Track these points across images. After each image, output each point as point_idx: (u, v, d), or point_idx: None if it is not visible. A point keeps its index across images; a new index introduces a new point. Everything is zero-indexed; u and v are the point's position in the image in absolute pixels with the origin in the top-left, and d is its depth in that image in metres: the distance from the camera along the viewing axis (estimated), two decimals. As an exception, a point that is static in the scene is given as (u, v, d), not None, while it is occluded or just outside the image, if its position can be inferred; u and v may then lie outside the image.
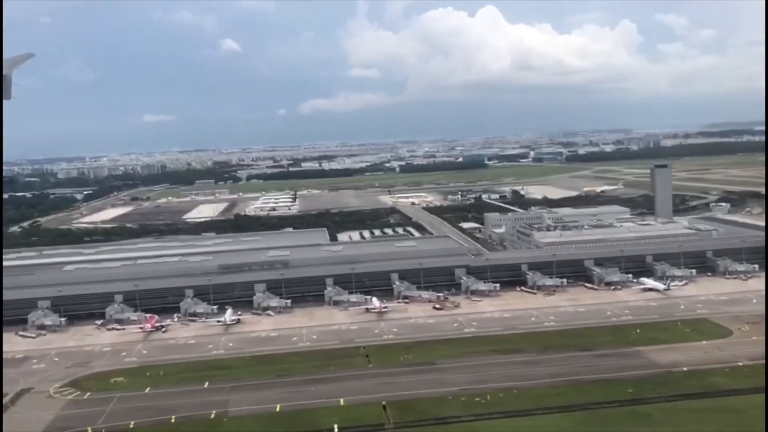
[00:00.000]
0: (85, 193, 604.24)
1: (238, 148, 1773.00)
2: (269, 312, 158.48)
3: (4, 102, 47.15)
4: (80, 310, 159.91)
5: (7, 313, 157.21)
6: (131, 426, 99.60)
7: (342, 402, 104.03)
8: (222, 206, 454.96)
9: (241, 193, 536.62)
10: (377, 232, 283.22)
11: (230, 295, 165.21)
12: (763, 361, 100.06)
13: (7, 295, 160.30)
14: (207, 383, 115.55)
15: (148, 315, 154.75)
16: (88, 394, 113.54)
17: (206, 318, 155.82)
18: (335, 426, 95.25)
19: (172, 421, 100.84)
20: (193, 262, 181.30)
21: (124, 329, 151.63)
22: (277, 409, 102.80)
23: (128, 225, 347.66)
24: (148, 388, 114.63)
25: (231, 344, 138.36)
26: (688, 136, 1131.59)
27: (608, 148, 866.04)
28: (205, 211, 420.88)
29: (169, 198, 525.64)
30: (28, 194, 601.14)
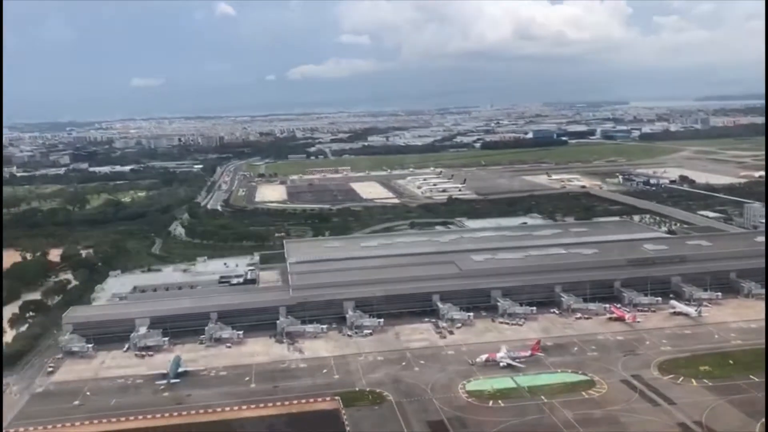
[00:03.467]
0: (197, 167, 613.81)
1: (243, 115, 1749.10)
2: (705, 304, 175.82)
3: None
4: (528, 299, 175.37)
5: (469, 300, 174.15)
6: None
7: None
8: (373, 185, 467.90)
9: (368, 171, 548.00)
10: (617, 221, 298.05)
11: (644, 287, 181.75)
12: None
13: (469, 284, 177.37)
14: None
15: (607, 305, 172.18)
16: (705, 381, 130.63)
17: (651, 308, 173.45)
18: None
19: None
20: (588, 255, 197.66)
21: (590, 318, 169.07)
22: None
23: (329, 207, 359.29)
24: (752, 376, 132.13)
25: (732, 335, 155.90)
26: (728, 112, 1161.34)
27: (672, 128, 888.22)
28: (373, 191, 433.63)
29: (301, 175, 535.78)
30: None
